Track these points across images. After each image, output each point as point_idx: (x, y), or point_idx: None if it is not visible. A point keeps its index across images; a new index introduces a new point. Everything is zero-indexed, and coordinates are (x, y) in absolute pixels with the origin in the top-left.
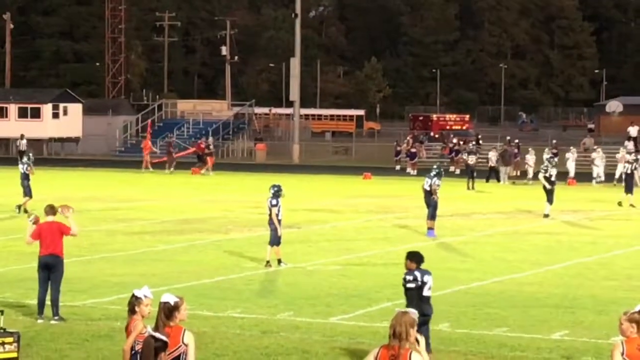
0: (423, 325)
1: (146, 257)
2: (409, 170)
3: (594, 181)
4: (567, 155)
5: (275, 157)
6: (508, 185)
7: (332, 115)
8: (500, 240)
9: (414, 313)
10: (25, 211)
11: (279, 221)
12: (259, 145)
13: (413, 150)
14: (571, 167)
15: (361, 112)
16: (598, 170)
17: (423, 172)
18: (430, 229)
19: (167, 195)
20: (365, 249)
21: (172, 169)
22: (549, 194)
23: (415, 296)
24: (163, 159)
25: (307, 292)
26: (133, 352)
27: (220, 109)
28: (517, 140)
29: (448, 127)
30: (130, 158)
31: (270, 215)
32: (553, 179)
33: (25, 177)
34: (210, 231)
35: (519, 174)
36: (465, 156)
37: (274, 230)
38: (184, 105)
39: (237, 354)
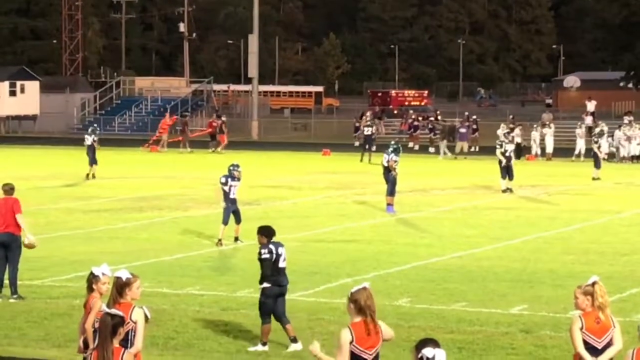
0: (280, 296)
1: (105, 235)
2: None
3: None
4: (545, 130)
5: (234, 133)
6: (447, 159)
7: (290, 92)
8: (459, 215)
9: (368, 286)
10: None
11: (229, 198)
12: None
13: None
14: (549, 142)
15: (320, 89)
16: (549, 145)
17: (382, 148)
18: (390, 205)
19: (125, 173)
20: (325, 225)
21: (188, 147)
22: (505, 170)
23: (271, 267)
24: (178, 139)
25: None
26: (93, 329)
27: (178, 86)
28: (475, 116)
29: (407, 103)
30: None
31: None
32: (508, 154)
33: None
34: (169, 208)
35: (477, 149)
36: (363, 128)
37: (225, 210)
38: (142, 82)
39: (197, 331)
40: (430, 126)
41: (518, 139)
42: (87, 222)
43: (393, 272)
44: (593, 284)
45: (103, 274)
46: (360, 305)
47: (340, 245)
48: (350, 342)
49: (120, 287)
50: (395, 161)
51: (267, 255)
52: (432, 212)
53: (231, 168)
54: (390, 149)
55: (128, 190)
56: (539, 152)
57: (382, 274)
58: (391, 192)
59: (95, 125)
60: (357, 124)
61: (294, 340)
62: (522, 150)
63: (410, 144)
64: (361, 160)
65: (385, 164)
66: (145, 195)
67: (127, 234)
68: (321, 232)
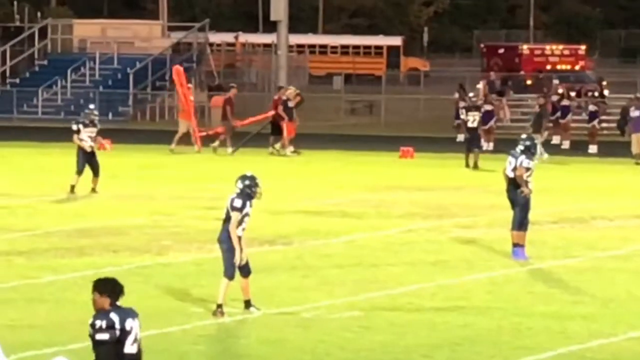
0: None
1: (20, 296)
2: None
3: None
4: None
5: (245, 117)
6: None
7: (345, 47)
8: None
9: None
10: None
11: (239, 238)
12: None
13: (487, 107)
14: None
15: (397, 41)
16: None
17: (503, 145)
18: (518, 245)
19: (55, 188)
20: (404, 281)
21: (229, 145)
22: None
23: (112, 355)
24: (215, 131)
25: (300, 357)
26: None
27: (148, 36)
28: None
29: (549, 67)
30: None
31: (225, 223)
32: None
33: None
34: (133, 250)
35: None
36: (463, 113)
37: (227, 252)
38: (85, 30)
39: None
40: (591, 108)
41: None
42: None
43: None
44: None
45: None
46: None
47: (431, 317)
48: None
49: None
50: (529, 169)
51: (105, 335)
52: (592, 259)
53: (247, 183)
54: (520, 148)
55: (59, 218)
56: None
57: None
58: (520, 223)
59: (92, 107)
60: (462, 104)
61: None
62: None
63: (556, 139)
64: (467, 165)
65: (511, 175)
66: (90, 227)
67: (58, 295)
68: (397, 292)
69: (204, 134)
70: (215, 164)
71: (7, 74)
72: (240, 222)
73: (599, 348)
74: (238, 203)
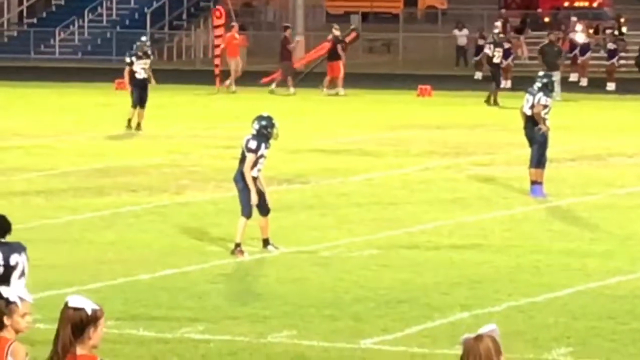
0: None
1: (38, 236)
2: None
3: None
4: None
5: (262, 59)
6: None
7: None
8: None
9: (494, 332)
10: None
11: (254, 179)
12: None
13: (505, 45)
14: None
15: None
16: None
17: (521, 83)
18: (537, 183)
19: (73, 128)
20: (422, 219)
21: (291, 85)
22: None
23: None
24: (274, 75)
25: (319, 296)
26: None
27: None
28: None
29: (567, 4)
30: (8, 63)
31: (241, 164)
32: None
33: None
34: (151, 189)
35: None
36: (488, 50)
37: (243, 191)
38: None
39: None
40: (609, 46)
41: None
42: (8, 213)
43: (542, 301)
44: None
45: (21, 299)
46: None
47: (450, 255)
48: None
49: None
50: (546, 107)
51: None
52: (610, 197)
53: (263, 124)
54: (537, 86)
55: (78, 159)
56: None
57: (523, 304)
58: (538, 161)
59: (145, 39)
60: (481, 42)
61: None
62: None
63: (574, 76)
64: (488, 102)
65: (529, 112)
66: (108, 167)
67: (76, 235)
68: (416, 230)
69: (268, 79)
70: (233, 102)
71: (25, 14)
72: (255, 164)
73: (617, 285)
74: (253, 144)
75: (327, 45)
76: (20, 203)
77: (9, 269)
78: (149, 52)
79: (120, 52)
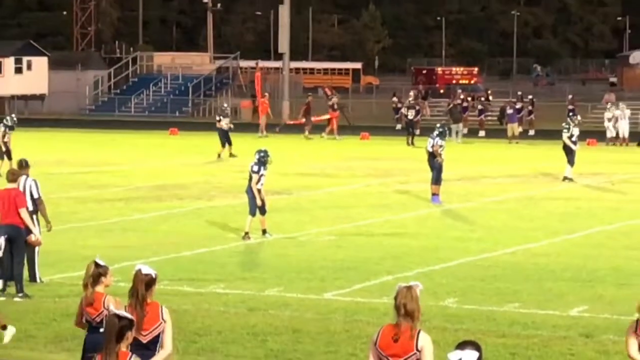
0: None
1: (119, 227)
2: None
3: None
4: (616, 112)
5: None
6: (460, 144)
7: (325, 69)
8: (513, 206)
9: (418, 286)
10: None
11: (259, 190)
12: (244, 103)
13: (416, 107)
14: (623, 127)
15: (358, 65)
16: (623, 128)
17: (427, 131)
18: (435, 194)
19: (142, 159)
20: (364, 217)
21: (308, 133)
22: (571, 156)
23: None
24: (300, 122)
25: (298, 265)
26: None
27: (201, 63)
28: (530, 96)
29: (454, 82)
30: (102, 117)
31: (249, 181)
32: (574, 139)
33: None
34: (191, 198)
35: (534, 132)
36: (404, 110)
37: (252, 199)
38: (161, 59)
39: (222, 334)
40: (480, 107)
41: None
42: (100, 212)
43: (438, 269)
44: None
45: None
46: (395, 304)
47: (380, 239)
48: (374, 344)
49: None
50: (441, 146)
51: None
52: (482, 203)
53: (261, 154)
54: (436, 133)
55: (145, 178)
56: (614, 135)
57: (427, 271)
58: (437, 180)
59: (226, 105)
60: (399, 106)
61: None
62: None
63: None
64: (408, 144)
65: (430, 149)
66: (165, 184)
67: (143, 226)
68: (360, 224)
69: (292, 122)
70: (242, 143)
71: (112, 87)
72: (258, 180)
73: (486, 259)
74: (256, 168)
75: (332, 114)
76: (108, 206)
77: None
78: (228, 111)
79: (172, 111)
